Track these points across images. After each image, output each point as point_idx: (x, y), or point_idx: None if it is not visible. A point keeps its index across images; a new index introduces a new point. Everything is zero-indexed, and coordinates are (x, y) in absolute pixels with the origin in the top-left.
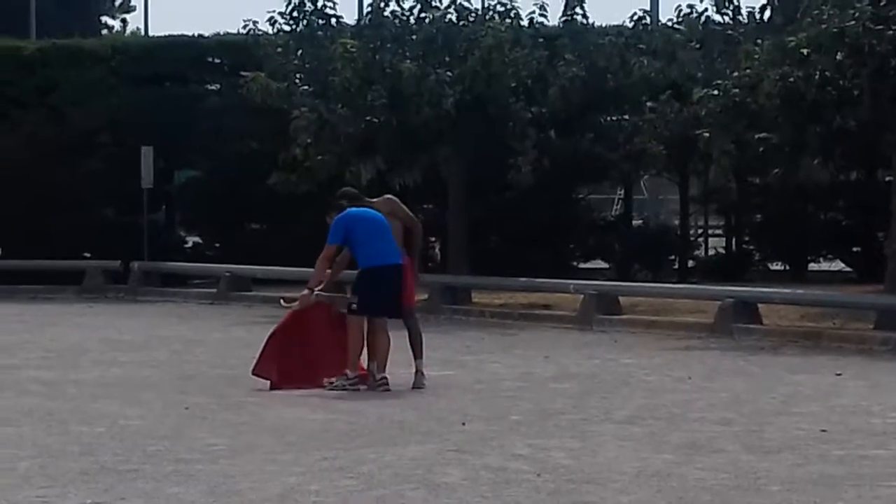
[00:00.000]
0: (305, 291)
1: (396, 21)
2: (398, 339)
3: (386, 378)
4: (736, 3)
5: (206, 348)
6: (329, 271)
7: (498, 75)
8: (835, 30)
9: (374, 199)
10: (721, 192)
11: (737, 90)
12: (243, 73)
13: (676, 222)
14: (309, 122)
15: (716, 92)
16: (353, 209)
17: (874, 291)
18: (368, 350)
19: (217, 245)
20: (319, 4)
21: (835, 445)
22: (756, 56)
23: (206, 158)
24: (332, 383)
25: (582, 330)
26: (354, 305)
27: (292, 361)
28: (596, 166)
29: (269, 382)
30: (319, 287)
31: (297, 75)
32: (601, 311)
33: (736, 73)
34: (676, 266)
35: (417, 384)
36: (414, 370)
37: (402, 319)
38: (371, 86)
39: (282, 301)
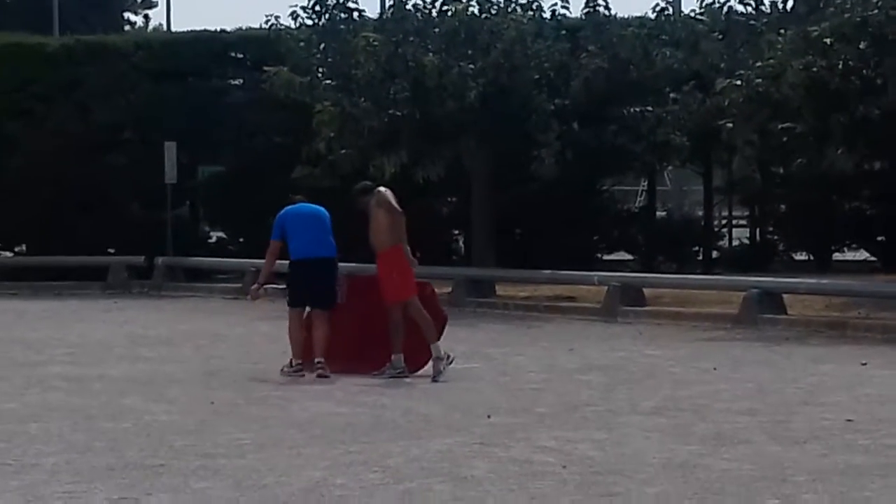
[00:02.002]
0: (254, 286)
1: (419, 14)
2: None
3: (321, 363)
4: None
5: (230, 343)
6: None
7: (520, 68)
8: (858, 19)
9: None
10: (745, 182)
11: (760, 80)
12: (266, 68)
13: (700, 213)
14: (332, 116)
15: (739, 82)
16: (291, 206)
17: None
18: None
19: (241, 240)
20: None
21: (861, 435)
22: (779, 46)
23: (230, 153)
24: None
25: (607, 322)
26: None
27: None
28: (619, 158)
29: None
30: (265, 282)
31: (320, 69)
32: (626, 303)
33: (759, 64)
34: (701, 257)
35: (386, 374)
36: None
37: (391, 310)
38: (394, 79)
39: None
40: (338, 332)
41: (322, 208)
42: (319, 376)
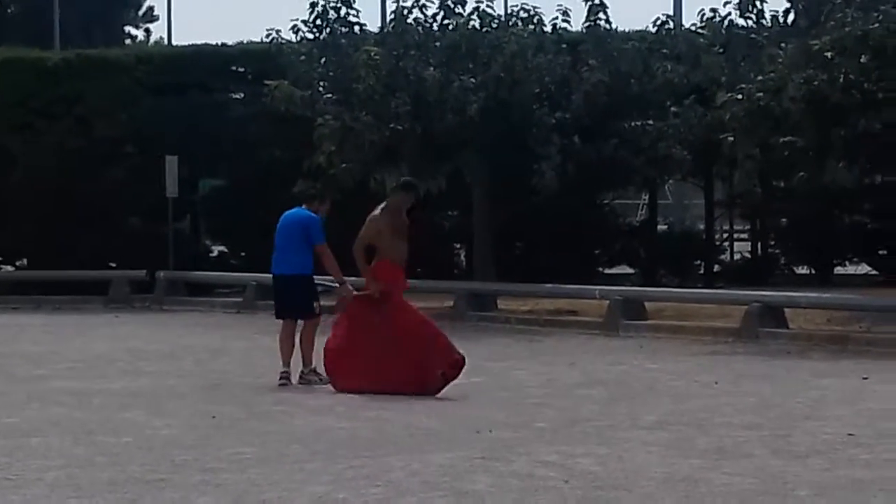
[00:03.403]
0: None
1: (420, 28)
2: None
3: (285, 373)
4: (759, 7)
5: (232, 357)
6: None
7: (521, 81)
8: (859, 33)
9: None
10: (746, 196)
11: (761, 94)
12: (267, 82)
13: (702, 227)
14: (333, 130)
15: (740, 96)
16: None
17: None
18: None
19: (242, 254)
20: (343, 12)
21: (862, 449)
22: (780, 60)
23: (231, 167)
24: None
25: (608, 336)
26: None
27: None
28: (620, 171)
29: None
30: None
31: (321, 83)
32: (627, 317)
33: (760, 77)
34: (702, 271)
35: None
36: None
37: None
38: (395, 93)
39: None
40: (352, 350)
41: (302, 215)
42: (299, 383)
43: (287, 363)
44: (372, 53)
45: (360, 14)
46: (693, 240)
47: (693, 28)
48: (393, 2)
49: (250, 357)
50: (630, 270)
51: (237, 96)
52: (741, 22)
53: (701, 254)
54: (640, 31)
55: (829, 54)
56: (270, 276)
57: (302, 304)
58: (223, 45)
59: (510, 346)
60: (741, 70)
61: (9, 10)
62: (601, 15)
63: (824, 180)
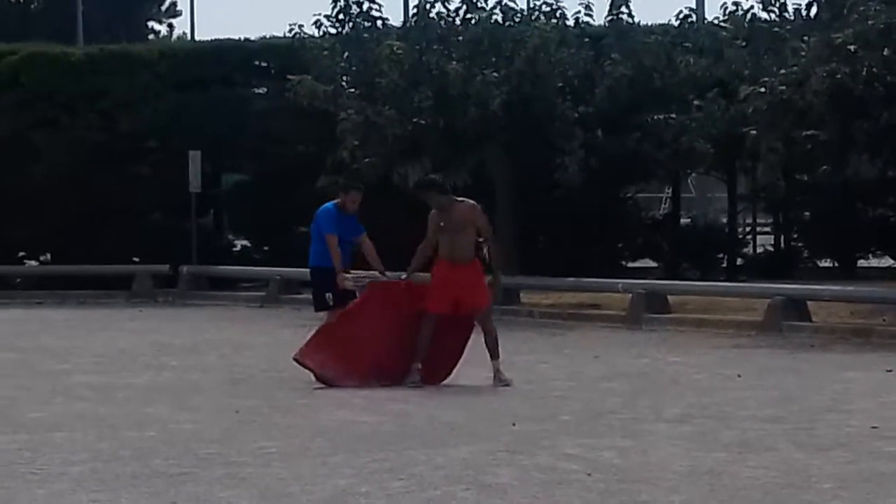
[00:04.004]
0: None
1: (442, 22)
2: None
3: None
4: (782, 0)
5: (255, 352)
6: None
7: (544, 75)
8: (882, 26)
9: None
10: (769, 189)
11: (784, 87)
12: (290, 77)
13: (724, 220)
14: (356, 125)
15: (763, 89)
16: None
17: None
18: None
19: (265, 248)
20: (365, 7)
21: (886, 442)
22: (803, 53)
23: (254, 162)
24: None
25: (631, 329)
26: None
27: (337, 352)
28: (643, 165)
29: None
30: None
31: (344, 78)
32: (650, 310)
33: (783, 71)
34: (725, 264)
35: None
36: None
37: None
38: (417, 87)
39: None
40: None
41: (321, 207)
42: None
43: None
44: (395, 48)
45: (382, 8)
46: (716, 233)
47: (716, 21)
48: None
49: (273, 351)
50: (653, 264)
51: (260, 91)
52: (764, 15)
53: (724, 247)
54: (662, 24)
55: (851, 47)
56: (293, 270)
57: (313, 295)
58: (246, 39)
59: (533, 340)
60: (764, 63)
61: (32, 6)
62: (624, 9)
63: (847, 173)
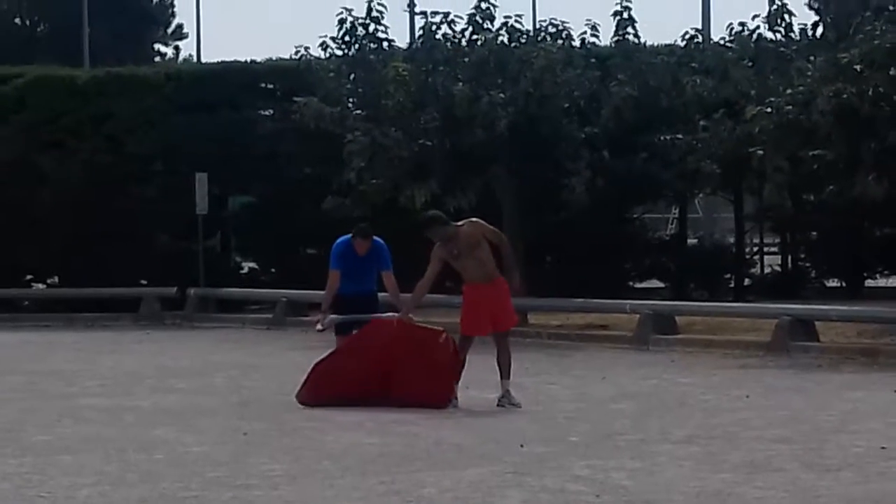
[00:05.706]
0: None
1: (448, 44)
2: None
3: None
4: (788, 21)
5: (262, 374)
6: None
7: (550, 96)
8: (888, 45)
9: (460, 223)
10: (776, 209)
11: (790, 107)
12: (296, 98)
13: (731, 240)
14: (362, 147)
15: (769, 109)
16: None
17: None
18: None
19: (273, 270)
20: (371, 28)
21: (895, 462)
22: (809, 73)
23: (260, 184)
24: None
25: (639, 350)
26: None
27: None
28: (650, 186)
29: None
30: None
31: (350, 99)
32: (658, 331)
33: (789, 91)
34: (732, 284)
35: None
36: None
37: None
38: (424, 109)
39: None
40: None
41: (336, 242)
42: None
43: None
44: (401, 69)
45: (388, 30)
46: (723, 253)
47: (722, 42)
48: (421, 17)
49: (281, 374)
50: (660, 284)
51: (266, 113)
52: (770, 35)
53: (731, 267)
54: (668, 45)
55: (858, 67)
56: (300, 292)
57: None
58: (252, 61)
59: (541, 361)
60: (770, 83)
61: (38, 29)
62: (630, 29)
63: (854, 193)
